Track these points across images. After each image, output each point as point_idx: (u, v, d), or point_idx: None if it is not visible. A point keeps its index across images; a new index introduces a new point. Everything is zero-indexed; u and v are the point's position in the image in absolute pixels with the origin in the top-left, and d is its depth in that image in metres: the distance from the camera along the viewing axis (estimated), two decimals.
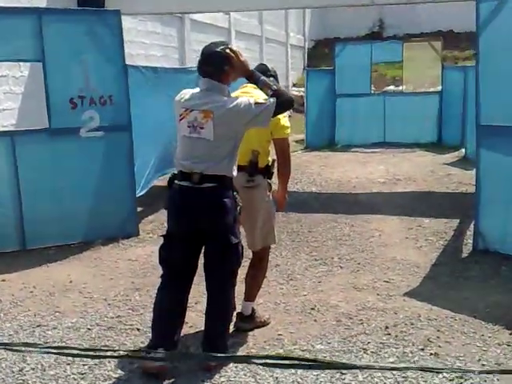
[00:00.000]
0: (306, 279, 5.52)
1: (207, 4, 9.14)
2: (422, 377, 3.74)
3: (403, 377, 3.74)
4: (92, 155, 6.52)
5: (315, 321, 4.63)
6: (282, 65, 19.44)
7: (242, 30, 16.53)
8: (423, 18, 22.42)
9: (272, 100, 3.81)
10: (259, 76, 3.93)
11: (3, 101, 8.01)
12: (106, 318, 4.72)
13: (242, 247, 4.00)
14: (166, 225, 4.03)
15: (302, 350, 4.17)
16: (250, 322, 4.48)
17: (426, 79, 16.37)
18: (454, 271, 5.64)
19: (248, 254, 4.34)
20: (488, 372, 2.44)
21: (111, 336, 4.43)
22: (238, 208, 3.90)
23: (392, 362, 3.96)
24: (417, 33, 22.28)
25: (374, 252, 6.25)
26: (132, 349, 4.22)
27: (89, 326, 4.58)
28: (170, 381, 3.80)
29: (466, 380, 3.68)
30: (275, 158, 4.37)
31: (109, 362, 3.96)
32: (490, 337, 4.29)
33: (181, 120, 3.88)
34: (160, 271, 4.08)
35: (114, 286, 5.39)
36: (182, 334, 4.05)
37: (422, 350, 4.13)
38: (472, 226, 6.43)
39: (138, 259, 6.11)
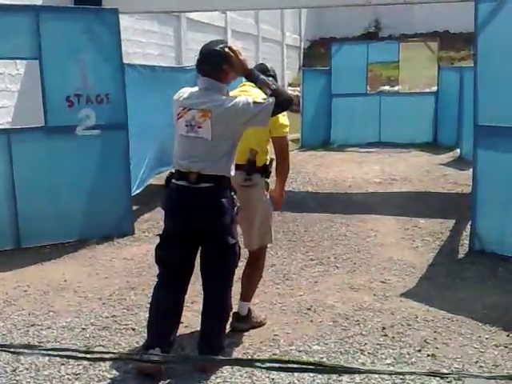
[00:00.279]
0: (302, 279, 5.50)
1: (204, 3, 9.11)
2: (419, 378, 3.72)
3: (401, 378, 3.71)
4: (88, 153, 6.49)
5: (311, 321, 4.60)
6: (277, 64, 19.41)
7: (238, 29, 16.51)
8: (419, 19, 22.43)
9: (271, 99, 3.77)
10: (258, 75, 3.90)
11: None
12: (100, 318, 4.68)
13: (239, 247, 3.97)
14: (161, 223, 4.00)
15: (299, 351, 4.14)
16: (246, 322, 4.45)
17: (421, 79, 16.39)
18: (451, 272, 5.63)
19: (244, 253, 4.31)
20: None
21: (106, 336, 4.39)
22: (236, 208, 3.87)
23: (389, 364, 3.94)
24: (413, 33, 22.35)
25: (370, 252, 6.24)
26: (127, 349, 4.19)
27: (83, 326, 4.54)
28: (166, 382, 3.76)
29: (463, 382, 3.66)
30: (274, 157, 4.34)
31: (103, 362, 3.92)
32: (487, 338, 4.28)
33: (178, 119, 3.85)
34: (156, 270, 4.05)
35: (109, 285, 5.35)
36: (177, 334, 4.02)
37: (419, 351, 4.11)
38: (468, 226, 6.42)
39: (134, 258, 6.07)
